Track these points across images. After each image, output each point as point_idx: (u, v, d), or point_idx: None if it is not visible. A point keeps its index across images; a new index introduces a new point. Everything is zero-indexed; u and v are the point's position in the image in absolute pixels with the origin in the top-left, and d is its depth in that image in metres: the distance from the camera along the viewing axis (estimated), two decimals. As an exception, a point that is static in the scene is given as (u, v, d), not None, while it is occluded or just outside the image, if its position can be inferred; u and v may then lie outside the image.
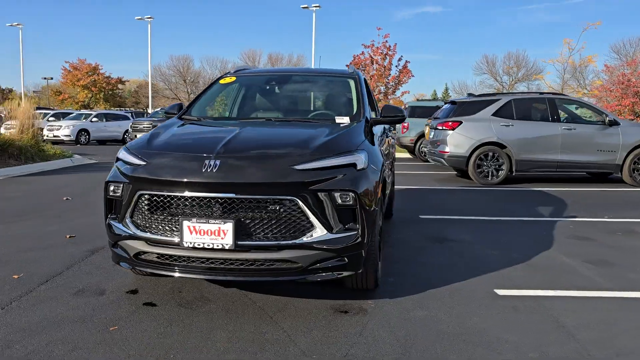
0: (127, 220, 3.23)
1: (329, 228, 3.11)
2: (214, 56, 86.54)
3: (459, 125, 9.94)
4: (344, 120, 4.06)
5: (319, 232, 3.09)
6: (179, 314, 3.20)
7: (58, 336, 2.86)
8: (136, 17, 41.22)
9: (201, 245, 3.04)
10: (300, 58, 57.17)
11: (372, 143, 3.89)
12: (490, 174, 9.80)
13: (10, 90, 50.40)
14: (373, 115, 4.76)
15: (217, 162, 3.09)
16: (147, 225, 3.18)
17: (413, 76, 21.88)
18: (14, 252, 4.53)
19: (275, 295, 3.51)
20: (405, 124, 15.35)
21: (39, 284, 3.68)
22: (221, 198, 3.03)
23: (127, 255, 3.26)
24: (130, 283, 3.74)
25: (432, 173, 11.98)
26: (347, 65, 16.64)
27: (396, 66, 21.72)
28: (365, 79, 4.98)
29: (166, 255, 3.15)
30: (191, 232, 3.04)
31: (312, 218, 3.07)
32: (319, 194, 3.07)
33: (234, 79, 4.93)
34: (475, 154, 9.81)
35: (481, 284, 3.86)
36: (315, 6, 34.97)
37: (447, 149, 10.03)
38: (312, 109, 5.03)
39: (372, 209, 3.28)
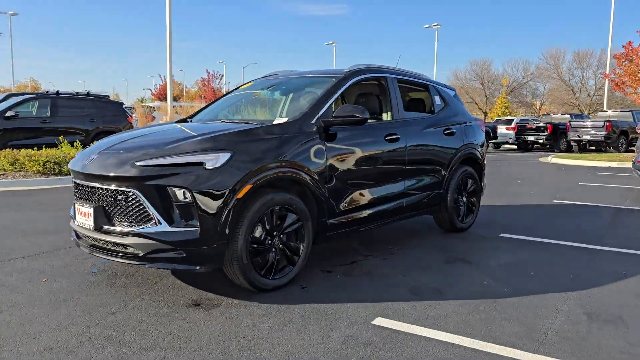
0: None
1: (169, 221, 3.30)
2: (516, 57, 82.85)
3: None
4: (282, 120, 3.99)
5: (158, 224, 3.30)
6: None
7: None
8: (424, 26, 43.21)
9: (80, 225, 3.65)
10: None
11: (306, 145, 3.77)
12: None
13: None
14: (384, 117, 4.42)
15: (95, 157, 3.63)
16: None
17: None
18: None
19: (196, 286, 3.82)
20: None
21: None
22: (89, 186, 3.57)
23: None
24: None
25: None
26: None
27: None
28: (362, 80, 4.65)
29: (75, 232, 3.88)
30: (78, 213, 3.68)
31: (152, 210, 3.30)
32: (157, 188, 3.29)
33: (250, 84, 5.32)
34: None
35: None
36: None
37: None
38: (268, 111, 4.98)
39: (217, 208, 3.27)
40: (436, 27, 42.15)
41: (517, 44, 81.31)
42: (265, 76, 5.41)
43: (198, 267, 3.34)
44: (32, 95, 13.54)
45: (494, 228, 5.86)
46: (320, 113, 4.06)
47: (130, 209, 3.37)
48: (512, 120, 26.77)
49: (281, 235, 3.68)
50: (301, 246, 3.81)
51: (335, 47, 51.70)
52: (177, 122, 4.77)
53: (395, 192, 4.66)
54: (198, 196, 3.24)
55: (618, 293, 3.72)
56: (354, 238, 5.26)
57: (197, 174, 3.29)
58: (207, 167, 3.31)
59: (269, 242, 3.60)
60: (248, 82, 5.35)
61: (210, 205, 3.27)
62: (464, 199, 5.62)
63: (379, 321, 3.15)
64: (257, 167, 3.48)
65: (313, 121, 3.98)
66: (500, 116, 39.77)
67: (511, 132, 25.52)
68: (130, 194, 3.35)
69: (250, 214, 3.43)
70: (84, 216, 3.59)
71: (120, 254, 3.43)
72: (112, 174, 3.41)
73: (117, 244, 3.41)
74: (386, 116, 4.83)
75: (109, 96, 14.95)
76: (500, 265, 4.37)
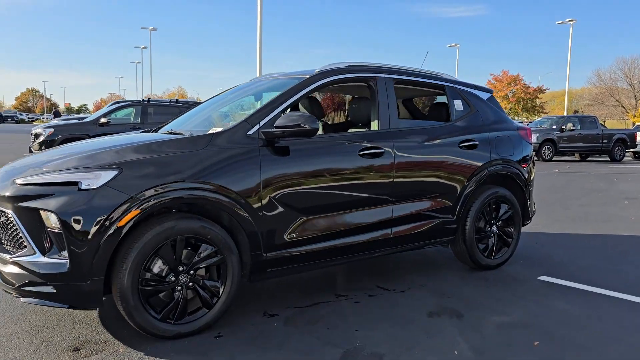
0: None
1: (43, 250, 2.82)
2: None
3: None
4: (218, 129, 3.33)
5: (32, 252, 2.84)
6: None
7: None
8: (557, 22, 39.24)
9: None
10: None
11: (232, 160, 3.11)
12: None
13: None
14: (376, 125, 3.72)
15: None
16: None
17: None
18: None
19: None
20: None
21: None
22: None
23: None
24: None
25: None
26: None
27: None
28: (337, 80, 3.78)
29: None
30: None
31: (26, 236, 2.84)
32: (30, 211, 2.82)
33: (233, 88, 4.68)
34: None
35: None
36: None
37: None
38: (231, 119, 4.18)
39: (90, 237, 2.71)
40: (571, 22, 38.03)
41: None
42: (253, 79, 4.78)
43: (68, 306, 2.82)
44: (125, 103, 14.32)
45: (539, 266, 4.59)
46: (263, 122, 3.34)
47: (9, 232, 2.96)
48: None
49: (191, 271, 3.02)
50: (222, 286, 3.12)
51: (458, 49, 49.12)
52: (142, 132, 4.33)
53: (376, 219, 3.74)
54: (68, 222, 2.71)
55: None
56: (343, 269, 4.40)
57: (70, 196, 2.76)
58: (82, 188, 2.77)
59: (172, 279, 2.96)
60: (234, 87, 4.76)
61: (82, 233, 2.73)
62: (494, 228, 4.46)
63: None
64: (151, 188, 2.86)
65: (251, 132, 3.28)
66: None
67: None
68: (9, 215, 2.93)
69: (139, 245, 2.83)
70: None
71: (6, 282, 3.02)
72: None
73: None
74: (373, 125, 3.93)
75: (200, 103, 15.38)
76: (501, 326, 3.25)
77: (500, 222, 4.50)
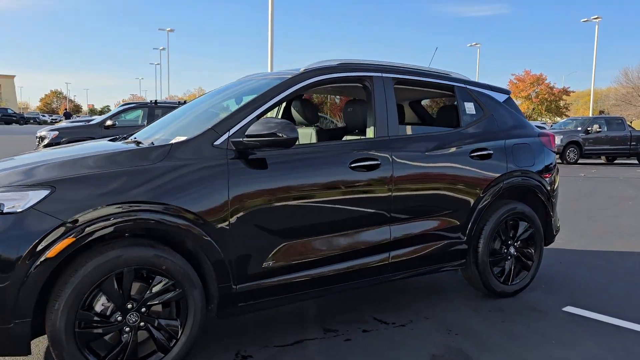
0: None
1: None
2: None
3: None
4: (181, 139, 2.84)
5: None
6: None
7: None
8: (582, 20, 38.05)
9: None
10: None
11: (192, 176, 2.62)
12: None
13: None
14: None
15: None
16: None
17: None
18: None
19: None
20: None
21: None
22: None
23: None
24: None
25: None
26: None
27: None
28: (317, 82, 3.22)
29: None
30: None
31: None
32: None
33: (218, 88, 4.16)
34: None
35: None
36: None
37: None
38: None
39: (12, 271, 2.24)
40: (596, 20, 36.81)
41: None
42: (240, 79, 4.27)
43: None
44: (133, 105, 14.00)
45: (564, 293, 3.99)
46: (233, 130, 2.83)
47: None
48: None
49: (143, 309, 2.53)
50: (181, 326, 2.62)
51: (479, 49, 48.05)
52: (110, 139, 3.86)
53: (372, 241, 3.21)
54: None
55: None
56: (339, 298, 3.87)
57: None
58: (4, 211, 2.30)
59: (119, 318, 2.48)
60: (218, 88, 4.25)
61: (2, 266, 2.26)
62: (512, 249, 3.88)
63: None
64: (88, 211, 2.38)
65: (218, 142, 2.78)
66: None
67: None
68: None
69: (76, 280, 2.35)
70: None
71: None
72: None
73: None
74: (369, 132, 3.40)
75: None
76: (517, 376, 2.69)
77: (519, 242, 3.92)
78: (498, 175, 3.71)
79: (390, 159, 3.25)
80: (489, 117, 3.87)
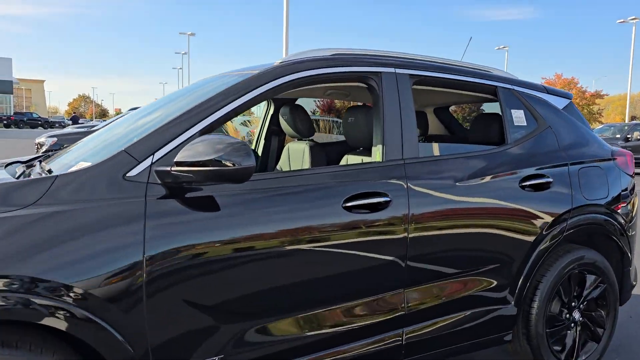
0: None
1: None
2: None
3: None
4: (73, 169, 1.86)
5: None
6: None
7: None
8: (617, 21, 36.19)
9: None
10: None
11: (92, 229, 1.64)
12: None
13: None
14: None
15: None
16: None
17: None
18: None
19: None
20: None
21: None
22: None
23: None
24: None
25: None
26: None
27: None
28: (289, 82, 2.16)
29: None
30: None
31: None
32: None
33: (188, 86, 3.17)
34: None
35: None
36: None
37: None
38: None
39: None
40: (634, 21, 34.94)
41: None
42: (202, 80, 3.27)
43: None
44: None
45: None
46: (160, 155, 1.84)
47: None
48: None
49: None
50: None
51: (507, 52, 46.32)
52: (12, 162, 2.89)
53: (377, 315, 2.18)
54: None
55: None
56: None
57: None
58: None
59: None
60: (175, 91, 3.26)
61: None
62: (576, 314, 2.79)
63: None
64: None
65: (134, 172, 1.78)
66: None
67: None
68: None
69: None
70: None
71: None
72: None
73: None
74: (375, 153, 2.36)
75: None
76: None
77: (585, 303, 2.83)
78: (560, 212, 2.63)
79: (406, 193, 2.21)
80: (545, 130, 2.78)
